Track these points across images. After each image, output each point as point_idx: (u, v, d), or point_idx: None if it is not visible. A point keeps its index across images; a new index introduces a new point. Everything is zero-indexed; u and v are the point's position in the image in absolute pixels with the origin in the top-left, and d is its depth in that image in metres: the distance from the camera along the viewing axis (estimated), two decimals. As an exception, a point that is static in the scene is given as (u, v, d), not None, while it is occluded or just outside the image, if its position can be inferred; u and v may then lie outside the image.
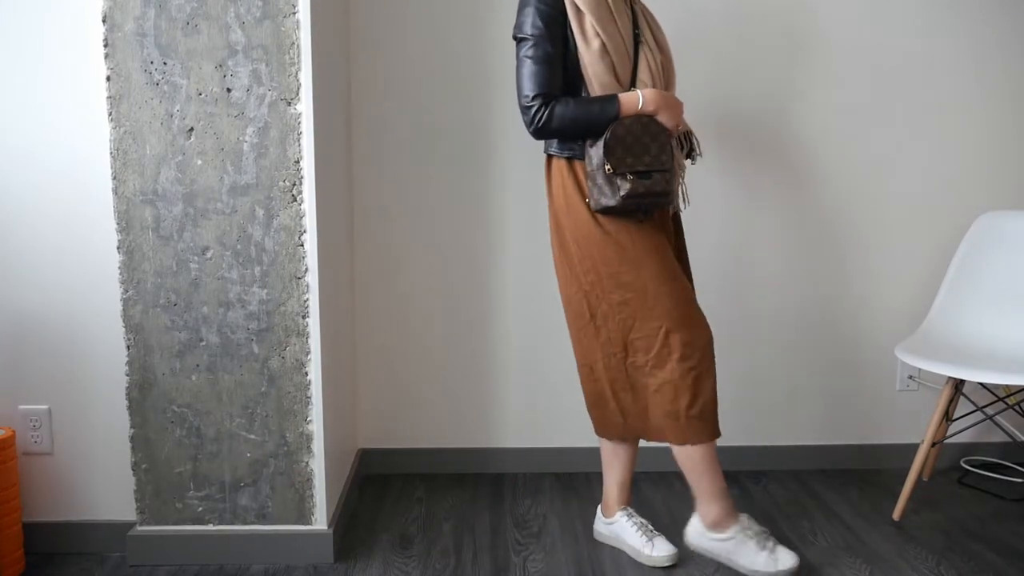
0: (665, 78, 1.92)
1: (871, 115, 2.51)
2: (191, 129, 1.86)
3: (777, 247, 2.56)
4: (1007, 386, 2.45)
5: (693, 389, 1.86)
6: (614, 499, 2.10)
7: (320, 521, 2.01)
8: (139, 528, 1.99)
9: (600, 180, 1.81)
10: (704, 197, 2.51)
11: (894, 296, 2.59)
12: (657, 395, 1.89)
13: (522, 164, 2.42)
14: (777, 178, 2.52)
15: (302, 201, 1.90)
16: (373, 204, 2.48)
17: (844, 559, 2.05)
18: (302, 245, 1.91)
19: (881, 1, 2.46)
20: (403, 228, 2.49)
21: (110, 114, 1.85)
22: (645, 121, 1.81)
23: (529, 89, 1.81)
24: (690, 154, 2.01)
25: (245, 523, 2.00)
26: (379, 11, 2.41)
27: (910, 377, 2.63)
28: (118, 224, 1.89)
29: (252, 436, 1.97)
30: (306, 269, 1.92)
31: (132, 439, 1.96)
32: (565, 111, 1.80)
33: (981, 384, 2.45)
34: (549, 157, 1.95)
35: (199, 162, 1.87)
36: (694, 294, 1.96)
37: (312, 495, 1.99)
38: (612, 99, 1.81)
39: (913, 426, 2.62)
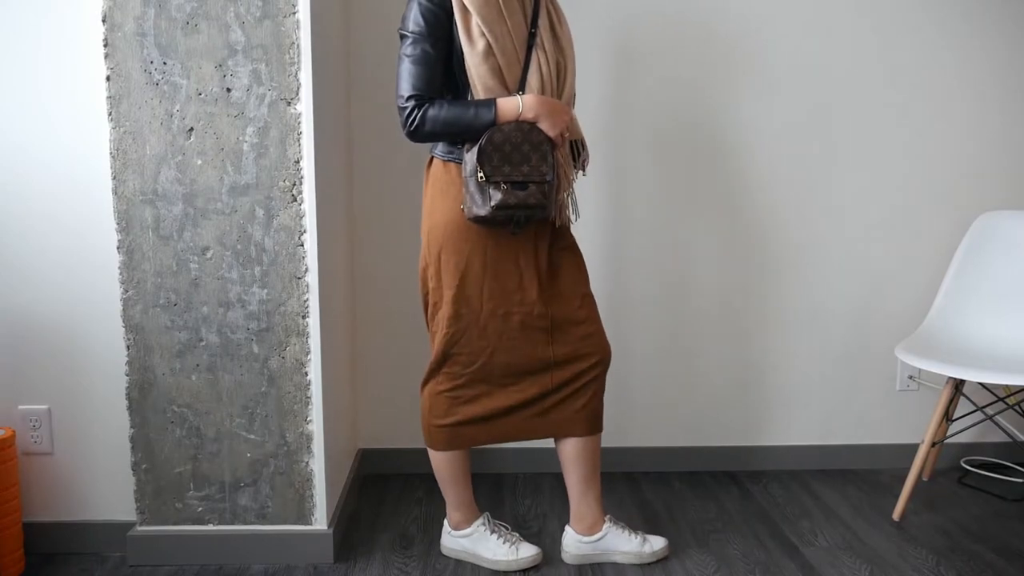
0: (560, 83, 1.83)
1: (870, 115, 2.50)
2: (191, 129, 1.86)
3: (777, 247, 2.56)
4: (1007, 386, 2.45)
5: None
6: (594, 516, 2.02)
7: (320, 521, 2.01)
8: (139, 528, 1.99)
9: (472, 187, 1.74)
10: (707, 198, 2.51)
11: (894, 296, 2.59)
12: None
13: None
14: (777, 178, 2.52)
15: (302, 201, 1.90)
16: (373, 204, 2.48)
17: (844, 559, 2.05)
18: (302, 245, 1.91)
19: (881, 0, 2.46)
20: (403, 228, 2.48)
21: (110, 114, 1.85)
22: (527, 129, 1.74)
23: (403, 90, 1.74)
24: (583, 165, 1.95)
25: (245, 523, 2.00)
26: (379, 11, 2.41)
27: (910, 377, 2.63)
28: (118, 224, 1.89)
29: (252, 436, 1.97)
30: (306, 269, 1.92)
31: (132, 439, 1.96)
32: (438, 114, 1.73)
33: (981, 384, 2.45)
34: (431, 158, 1.89)
35: (199, 162, 1.87)
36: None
37: (312, 495, 1.99)
38: (489, 103, 1.74)
39: (913, 426, 2.62)
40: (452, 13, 1.75)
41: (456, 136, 1.78)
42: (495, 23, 1.74)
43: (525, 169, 1.74)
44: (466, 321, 1.88)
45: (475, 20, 1.73)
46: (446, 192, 1.84)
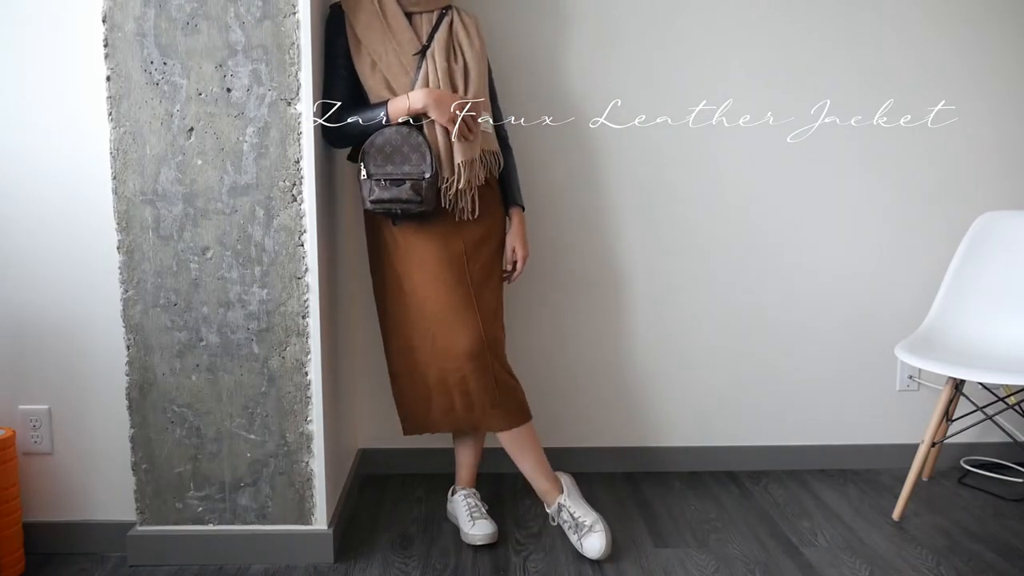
0: (464, 82, 2.01)
1: (870, 113, 2.50)
2: (191, 129, 1.86)
3: (777, 247, 2.56)
4: (1007, 386, 2.45)
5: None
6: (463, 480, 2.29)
7: (320, 521, 2.01)
8: (139, 528, 1.99)
9: (360, 183, 1.98)
10: (708, 197, 2.51)
11: (894, 296, 2.59)
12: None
13: (519, 162, 2.42)
14: (778, 178, 2.52)
15: (302, 201, 1.90)
16: (373, 204, 2.48)
17: (844, 559, 2.05)
18: (302, 245, 1.91)
19: None
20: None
21: (110, 114, 1.85)
22: (406, 132, 1.94)
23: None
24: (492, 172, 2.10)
25: (245, 523, 2.00)
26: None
27: (910, 377, 2.63)
28: (118, 224, 1.89)
29: (252, 436, 1.97)
30: (306, 269, 1.92)
31: (132, 439, 1.96)
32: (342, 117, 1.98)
33: (981, 384, 2.45)
34: None
35: (199, 162, 1.87)
36: (467, 300, 2.04)
37: (312, 495, 1.99)
38: (381, 105, 1.96)
39: (913, 426, 2.62)
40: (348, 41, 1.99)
41: (360, 136, 1.98)
42: (377, 44, 1.98)
43: (406, 168, 1.94)
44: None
45: (362, 45, 1.99)
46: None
